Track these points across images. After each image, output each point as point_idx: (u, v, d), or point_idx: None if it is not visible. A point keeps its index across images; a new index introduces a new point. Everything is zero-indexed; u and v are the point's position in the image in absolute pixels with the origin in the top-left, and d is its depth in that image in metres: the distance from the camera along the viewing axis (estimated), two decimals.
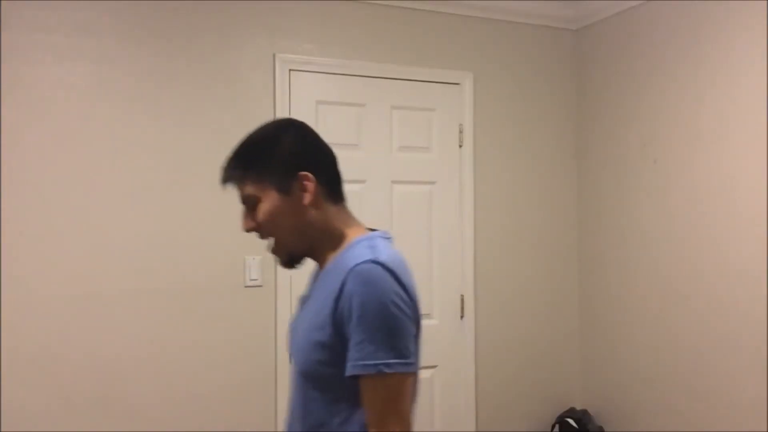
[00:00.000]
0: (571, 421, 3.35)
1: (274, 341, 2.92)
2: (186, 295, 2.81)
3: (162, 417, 2.76)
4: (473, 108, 3.35)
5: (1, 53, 2.54)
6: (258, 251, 2.92)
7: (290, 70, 2.99)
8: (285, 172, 1.33)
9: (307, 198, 1.32)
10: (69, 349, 2.63)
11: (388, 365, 1.20)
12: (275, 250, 1.38)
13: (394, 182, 3.19)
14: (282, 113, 2.96)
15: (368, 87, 3.14)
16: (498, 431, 3.39)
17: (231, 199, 2.90)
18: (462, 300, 3.32)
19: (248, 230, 1.38)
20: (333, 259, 1.34)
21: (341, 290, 1.24)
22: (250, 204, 1.35)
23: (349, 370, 1.22)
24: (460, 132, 3.33)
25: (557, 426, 3.40)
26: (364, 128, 3.13)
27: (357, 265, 1.24)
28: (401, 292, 1.24)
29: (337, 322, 1.24)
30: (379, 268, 1.23)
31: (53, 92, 2.63)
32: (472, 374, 3.33)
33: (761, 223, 2.58)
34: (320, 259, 1.38)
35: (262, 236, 1.38)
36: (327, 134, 3.30)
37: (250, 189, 1.34)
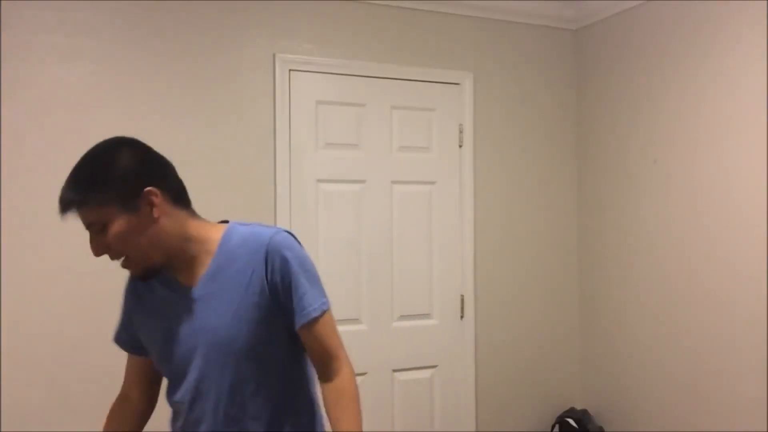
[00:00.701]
0: (571, 421, 3.35)
1: None
2: None
3: (162, 417, 2.76)
4: (473, 108, 3.35)
5: (1, 53, 2.55)
6: None
7: (290, 70, 2.99)
8: (129, 192, 1.34)
9: (156, 212, 1.36)
10: (69, 349, 2.63)
11: (326, 303, 1.43)
12: (128, 266, 1.39)
13: (394, 182, 3.18)
14: (282, 113, 2.96)
15: (368, 87, 3.14)
16: (498, 431, 3.39)
17: (231, 198, 2.92)
18: (462, 300, 3.32)
19: (99, 255, 1.35)
20: (214, 256, 1.42)
21: (266, 265, 1.38)
22: (96, 229, 1.33)
23: (304, 319, 1.39)
24: (460, 132, 3.33)
25: (557, 426, 3.40)
26: (364, 128, 3.13)
27: (272, 238, 1.40)
28: None
29: (273, 293, 1.39)
30: (288, 235, 1.44)
31: (53, 92, 2.63)
32: (472, 374, 3.33)
33: (761, 223, 2.58)
34: (183, 265, 1.42)
35: (114, 257, 1.37)
36: (327, 134, 3.32)
37: (93, 215, 1.33)
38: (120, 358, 2.69)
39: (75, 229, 2.63)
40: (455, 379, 3.30)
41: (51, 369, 2.60)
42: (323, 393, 1.43)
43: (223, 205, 2.88)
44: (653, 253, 3.09)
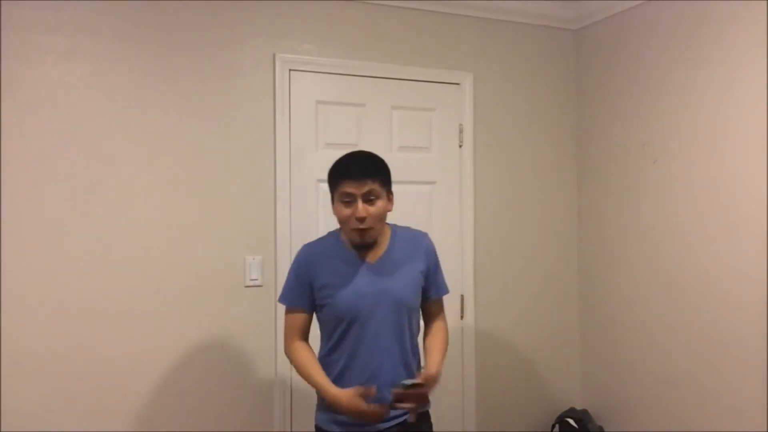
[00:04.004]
0: (571, 421, 3.35)
1: (274, 341, 2.92)
2: (186, 295, 2.81)
3: (162, 417, 2.76)
4: (473, 108, 3.35)
5: (1, 53, 2.55)
6: (258, 251, 2.93)
7: (290, 70, 2.99)
8: (389, 184, 2.13)
9: (391, 207, 2.14)
10: (69, 349, 2.63)
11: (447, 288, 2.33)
12: (366, 233, 2.06)
13: (394, 182, 3.17)
14: (282, 113, 2.96)
15: (368, 87, 3.14)
16: (498, 431, 3.39)
17: (231, 199, 2.92)
18: (462, 300, 3.32)
19: (362, 218, 2.01)
20: (387, 240, 2.17)
21: (426, 250, 2.22)
22: (369, 199, 2.03)
23: (442, 292, 2.28)
24: (460, 132, 3.33)
25: (557, 426, 3.40)
26: (364, 128, 3.13)
27: (427, 237, 2.27)
28: None
29: (427, 269, 2.20)
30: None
31: (53, 92, 2.63)
32: (472, 374, 3.33)
33: (761, 222, 2.58)
34: (373, 243, 2.12)
35: (366, 224, 2.03)
36: (327, 134, 3.32)
37: (376, 188, 2.04)
38: (119, 358, 2.70)
39: (75, 229, 2.64)
40: (455, 379, 3.30)
41: (51, 369, 2.60)
42: (432, 326, 2.26)
43: (223, 205, 2.88)
44: (653, 253, 3.09)
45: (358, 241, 2.07)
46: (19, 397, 2.55)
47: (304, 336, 2.17)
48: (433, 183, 3.27)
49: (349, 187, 2.01)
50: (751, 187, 2.62)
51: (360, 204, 2.01)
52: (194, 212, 2.83)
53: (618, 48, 3.30)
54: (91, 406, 2.66)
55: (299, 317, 2.15)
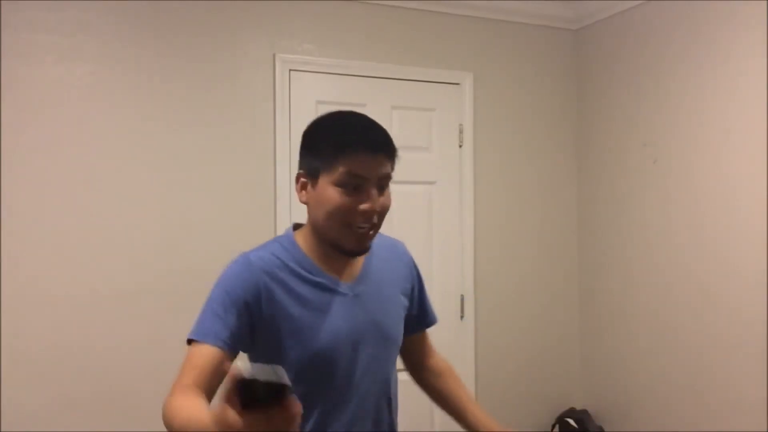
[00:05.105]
0: (571, 421, 3.35)
1: None
2: (186, 295, 2.81)
3: (162, 417, 2.76)
4: (473, 108, 3.35)
5: (1, 53, 2.54)
6: None
7: (290, 70, 2.99)
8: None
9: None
10: (69, 349, 2.63)
11: None
12: (370, 235, 1.37)
13: (394, 182, 3.17)
14: (282, 113, 2.96)
15: (368, 87, 3.14)
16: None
17: (231, 199, 2.92)
18: (462, 300, 3.32)
19: (375, 211, 1.34)
20: (367, 256, 1.46)
21: (409, 264, 1.57)
22: (380, 184, 1.36)
23: (432, 322, 1.67)
24: (460, 132, 3.33)
25: (557, 426, 3.40)
26: None
27: (402, 242, 1.62)
28: None
29: (411, 290, 1.57)
30: None
31: (53, 92, 2.63)
32: (472, 374, 3.33)
33: (761, 223, 2.58)
34: (366, 251, 1.43)
35: (376, 219, 1.36)
36: None
37: (389, 170, 1.38)
38: (119, 358, 2.70)
39: (75, 229, 2.64)
40: None
41: (51, 369, 2.60)
42: (433, 365, 1.72)
43: (223, 205, 2.88)
44: (653, 252, 3.09)
45: (353, 247, 1.36)
46: (19, 397, 2.55)
47: (207, 389, 1.29)
48: (433, 183, 3.27)
49: (362, 165, 1.31)
50: (751, 187, 2.62)
51: (374, 192, 1.33)
52: (194, 212, 2.83)
53: (618, 48, 3.30)
54: (91, 406, 2.66)
55: (210, 356, 1.29)
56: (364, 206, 1.31)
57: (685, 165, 2.92)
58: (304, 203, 1.38)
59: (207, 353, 1.29)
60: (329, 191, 1.32)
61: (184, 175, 2.83)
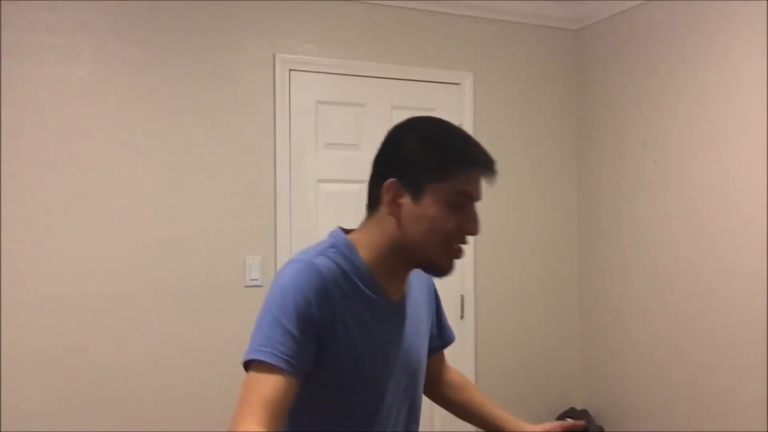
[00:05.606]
0: (571, 420, 3.35)
1: None
2: (186, 295, 2.81)
3: (162, 417, 2.76)
4: (473, 108, 3.35)
5: (1, 53, 2.54)
6: (258, 251, 2.93)
7: (290, 70, 2.99)
8: None
9: None
10: (69, 349, 2.63)
11: None
12: (461, 254, 1.27)
13: None
14: (282, 113, 2.96)
15: (368, 87, 3.14)
16: None
17: (231, 199, 2.91)
18: (462, 300, 3.32)
19: (477, 232, 1.28)
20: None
21: (429, 287, 1.45)
22: (474, 203, 1.25)
23: (451, 340, 1.54)
24: None
25: None
26: (364, 128, 3.12)
27: None
28: None
29: (435, 308, 1.49)
30: None
31: (53, 92, 2.63)
32: (472, 374, 3.33)
33: (761, 222, 2.58)
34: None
35: (466, 241, 1.27)
36: (327, 134, 3.32)
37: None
38: (119, 358, 2.70)
39: (75, 229, 2.64)
40: None
41: (51, 369, 2.60)
42: (451, 380, 1.62)
43: (223, 205, 2.88)
44: (653, 253, 3.09)
45: (448, 267, 1.26)
46: (19, 397, 2.55)
47: (276, 422, 1.07)
48: None
49: (477, 186, 1.24)
50: (751, 187, 2.62)
51: (476, 212, 1.27)
52: (194, 212, 2.83)
53: (618, 48, 3.30)
54: (91, 406, 2.66)
55: (280, 386, 1.09)
56: (470, 227, 1.25)
57: (685, 165, 2.92)
58: (391, 215, 1.25)
59: (278, 383, 1.09)
60: (435, 208, 1.20)
61: (184, 174, 2.83)
